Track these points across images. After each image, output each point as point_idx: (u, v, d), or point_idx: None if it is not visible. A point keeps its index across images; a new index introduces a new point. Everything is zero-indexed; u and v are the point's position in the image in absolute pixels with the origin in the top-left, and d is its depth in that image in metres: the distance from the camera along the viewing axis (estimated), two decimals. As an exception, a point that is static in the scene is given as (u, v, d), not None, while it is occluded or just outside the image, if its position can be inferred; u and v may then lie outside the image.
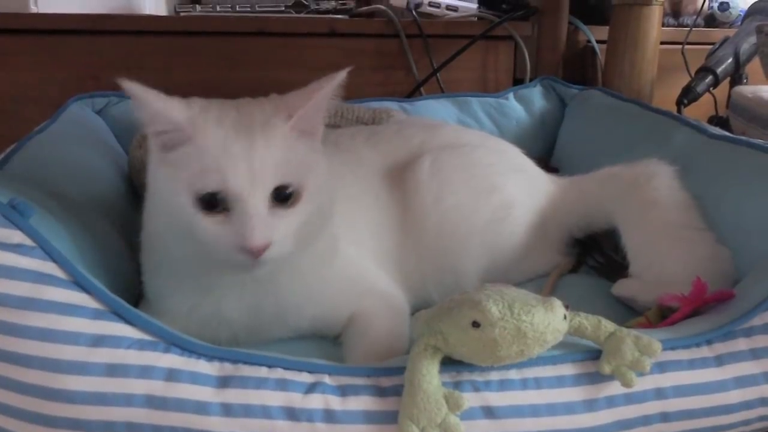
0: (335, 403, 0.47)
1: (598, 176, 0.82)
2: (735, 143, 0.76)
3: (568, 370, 0.49)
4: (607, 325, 0.51)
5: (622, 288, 0.70)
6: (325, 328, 0.65)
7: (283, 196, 0.55)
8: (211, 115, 0.56)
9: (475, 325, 0.47)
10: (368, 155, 0.77)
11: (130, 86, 0.53)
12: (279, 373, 0.48)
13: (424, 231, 0.73)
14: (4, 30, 1.10)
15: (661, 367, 0.50)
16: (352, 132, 0.83)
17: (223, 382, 0.47)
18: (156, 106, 0.54)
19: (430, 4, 1.25)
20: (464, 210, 0.74)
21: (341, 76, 0.57)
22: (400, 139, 0.80)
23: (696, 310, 0.60)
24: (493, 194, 0.76)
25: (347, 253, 0.67)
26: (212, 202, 0.53)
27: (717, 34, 1.30)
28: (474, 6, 1.30)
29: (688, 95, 1.11)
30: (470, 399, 0.46)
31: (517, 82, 1.28)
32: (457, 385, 0.48)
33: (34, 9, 1.13)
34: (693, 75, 1.14)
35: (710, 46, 1.18)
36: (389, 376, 0.49)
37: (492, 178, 0.77)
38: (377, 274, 0.70)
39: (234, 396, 0.46)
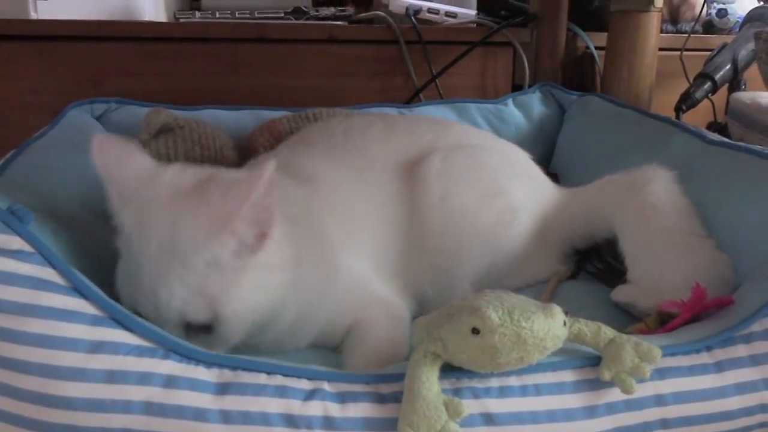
0: (334, 410, 0.47)
1: (598, 184, 0.82)
2: (733, 149, 0.76)
3: (567, 376, 0.49)
4: (607, 332, 0.51)
5: (621, 294, 0.70)
6: (325, 342, 0.65)
7: (196, 326, 0.52)
8: (143, 224, 0.52)
9: (475, 331, 0.47)
10: (378, 152, 0.77)
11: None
12: (278, 380, 0.48)
13: (427, 229, 0.73)
14: (3, 36, 1.10)
15: (661, 374, 0.50)
16: (363, 126, 0.81)
17: (222, 388, 0.47)
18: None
19: (429, 11, 1.26)
20: (469, 211, 0.74)
21: (268, 169, 0.50)
22: (411, 135, 0.80)
23: (695, 316, 0.60)
24: (500, 197, 0.76)
25: (347, 266, 0.66)
26: None
27: (715, 40, 1.30)
28: (473, 12, 1.30)
29: (686, 101, 1.11)
30: (470, 406, 0.46)
31: (516, 88, 1.28)
32: (457, 392, 0.48)
33: (34, 15, 1.13)
34: (691, 81, 1.14)
35: (708, 53, 1.18)
36: (388, 382, 0.49)
37: (500, 182, 0.77)
38: (377, 283, 0.70)
39: (233, 403, 0.46)
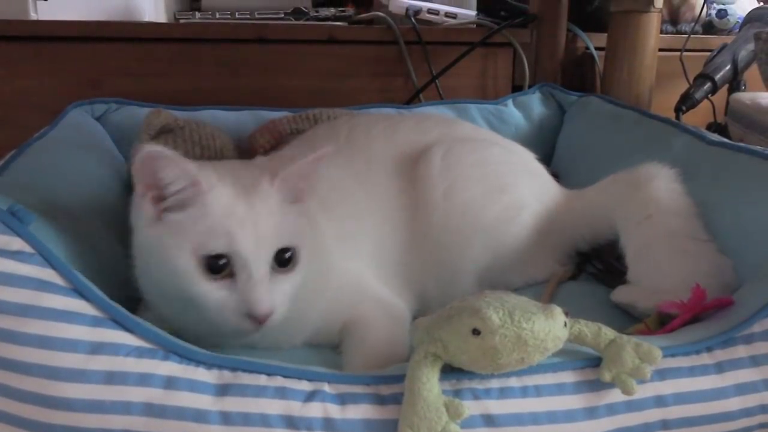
0: (335, 411, 0.47)
1: (601, 184, 0.82)
2: (733, 150, 0.76)
3: (568, 377, 0.49)
4: (608, 332, 0.51)
5: (621, 295, 0.70)
6: (321, 340, 0.65)
7: (283, 260, 0.55)
8: (215, 174, 0.55)
9: (476, 332, 0.47)
10: (381, 151, 0.77)
11: (153, 152, 0.52)
12: (278, 381, 0.48)
13: (430, 224, 0.73)
14: (4, 37, 1.10)
15: (662, 375, 0.50)
16: (368, 124, 0.82)
17: (222, 390, 0.47)
18: (180, 163, 0.53)
19: (429, 11, 1.26)
20: (473, 206, 0.74)
21: (326, 151, 0.58)
22: (417, 132, 0.80)
23: (695, 317, 0.60)
24: (505, 193, 0.76)
25: (343, 270, 0.66)
26: (216, 267, 0.53)
27: (715, 41, 1.31)
28: (473, 13, 1.30)
29: (686, 102, 1.11)
30: (470, 407, 0.46)
31: (516, 88, 1.28)
32: (458, 393, 0.48)
33: (34, 16, 1.13)
34: (691, 82, 1.14)
35: (708, 53, 1.18)
36: (389, 384, 0.49)
37: (505, 177, 0.77)
38: (375, 284, 0.69)
39: (233, 404, 0.46)
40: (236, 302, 0.53)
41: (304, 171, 0.58)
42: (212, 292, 0.53)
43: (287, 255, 0.55)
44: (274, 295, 0.54)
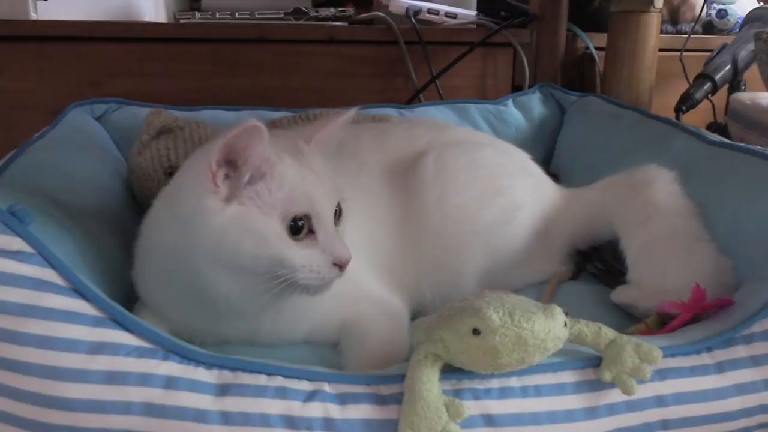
0: (335, 411, 0.47)
1: (600, 185, 0.82)
2: (734, 150, 0.76)
3: (568, 377, 0.49)
4: (608, 332, 0.51)
5: (621, 295, 0.70)
6: (318, 338, 0.65)
7: (336, 215, 0.60)
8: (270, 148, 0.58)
9: (476, 332, 0.47)
10: (372, 158, 0.77)
11: (259, 123, 0.53)
12: (278, 381, 0.48)
13: (425, 230, 0.73)
14: (4, 37, 1.10)
15: (662, 375, 0.50)
16: (358, 131, 0.82)
17: (222, 389, 0.47)
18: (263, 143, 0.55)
19: (429, 12, 1.26)
20: (468, 210, 0.74)
21: (352, 112, 0.63)
22: (407, 139, 0.80)
23: (695, 317, 0.60)
24: (500, 196, 0.76)
25: None
26: (296, 229, 0.56)
27: (715, 41, 1.31)
28: (473, 13, 1.30)
29: (686, 102, 1.11)
30: (471, 407, 0.46)
31: (516, 88, 1.28)
32: (458, 393, 0.48)
33: (34, 16, 1.13)
34: (691, 82, 1.14)
35: (708, 53, 1.18)
36: (389, 384, 0.49)
37: (499, 180, 0.77)
38: (372, 282, 0.69)
39: (233, 404, 0.46)
40: (322, 255, 0.56)
41: (333, 133, 0.63)
42: (299, 251, 0.56)
43: (338, 209, 0.60)
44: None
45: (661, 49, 1.14)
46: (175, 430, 0.45)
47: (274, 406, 0.46)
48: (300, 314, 0.63)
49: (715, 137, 0.82)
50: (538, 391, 0.48)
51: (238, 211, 0.55)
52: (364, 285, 0.68)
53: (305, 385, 0.48)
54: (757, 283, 0.61)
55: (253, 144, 0.54)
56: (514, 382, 0.49)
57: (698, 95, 1.11)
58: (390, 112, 1.07)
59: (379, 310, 0.66)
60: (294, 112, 1.01)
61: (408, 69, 1.23)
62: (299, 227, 0.56)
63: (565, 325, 0.49)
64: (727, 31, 1.45)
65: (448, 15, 1.28)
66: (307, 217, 0.56)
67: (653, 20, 1.10)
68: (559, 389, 0.49)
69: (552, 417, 0.48)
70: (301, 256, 0.56)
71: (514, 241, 0.76)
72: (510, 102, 1.16)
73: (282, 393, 0.47)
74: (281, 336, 0.63)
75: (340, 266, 0.57)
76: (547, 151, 1.15)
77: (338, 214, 0.60)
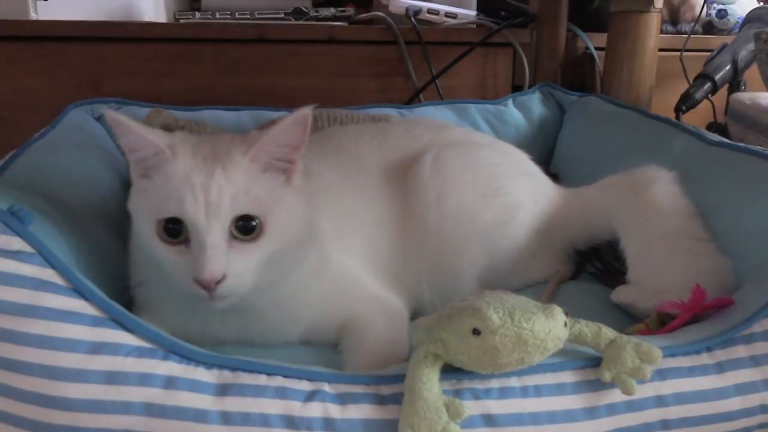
0: (335, 411, 0.47)
1: (600, 185, 0.82)
2: (733, 150, 0.76)
3: (568, 377, 0.49)
4: (608, 332, 0.51)
5: (621, 295, 0.70)
6: (317, 338, 0.65)
7: (247, 228, 0.55)
8: (188, 146, 0.57)
9: (476, 332, 0.47)
10: (371, 158, 0.77)
11: (113, 115, 0.55)
12: (278, 381, 0.48)
13: (424, 230, 0.73)
14: (4, 37, 1.10)
15: (662, 375, 0.50)
16: (358, 132, 0.82)
17: (222, 389, 0.47)
18: (140, 131, 0.56)
19: (429, 12, 1.26)
20: (467, 210, 0.74)
21: (303, 112, 0.57)
22: (407, 139, 0.80)
23: (695, 317, 0.60)
24: (499, 196, 0.76)
25: (339, 264, 0.66)
26: (173, 232, 0.54)
27: (715, 41, 1.31)
28: (473, 13, 1.30)
29: (686, 102, 1.11)
30: (470, 407, 0.46)
31: (516, 88, 1.28)
32: (458, 393, 0.48)
33: (34, 16, 1.13)
34: (691, 82, 1.14)
35: (708, 53, 1.18)
36: (389, 384, 0.49)
37: (498, 180, 0.77)
38: (370, 281, 0.69)
39: (233, 404, 0.46)
40: (186, 267, 0.54)
41: (281, 139, 0.57)
42: (168, 255, 0.55)
43: (252, 223, 0.55)
44: (232, 263, 0.53)
45: (661, 49, 1.14)
46: (175, 430, 0.45)
47: (274, 406, 0.46)
48: (292, 315, 0.63)
49: (715, 137, 0.82)
50: (538, 391, 0.48)
51: (134, 203, 0.58)
52: (363, 284, 0.68)
53: (305, 385, 0.48)
54: (757, 283, 0.61)
55: (120, 135, 0.56)
56: (514, 382, 0.49)
57: (698, 95, 1.11)
58: (390, 112, 1.07)
59: (378, 310, 0.66)
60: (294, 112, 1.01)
61: (408, 69, 1.23)
62: (176, 231, 0.54)
63: (565, 325, 0.49)
64: (727, 31, 1.45)
65: (448, 15, 1.28)
66: (181, 223, 0.54)
67: (653, 20, 1.10)
68: (559, 389, 0.49)
69: (552, 417, 0.48)
70: (171, 261, 0.54)
71: (514, 241, 0.76)
72: (510, 102, 1.16)
73: (282, 393, 0.47)
74: (275, 336, 0.63)
75: (202, 285, 0.53)
76: (547, 151, 1.15)
77: (254, 230, 0.55)
